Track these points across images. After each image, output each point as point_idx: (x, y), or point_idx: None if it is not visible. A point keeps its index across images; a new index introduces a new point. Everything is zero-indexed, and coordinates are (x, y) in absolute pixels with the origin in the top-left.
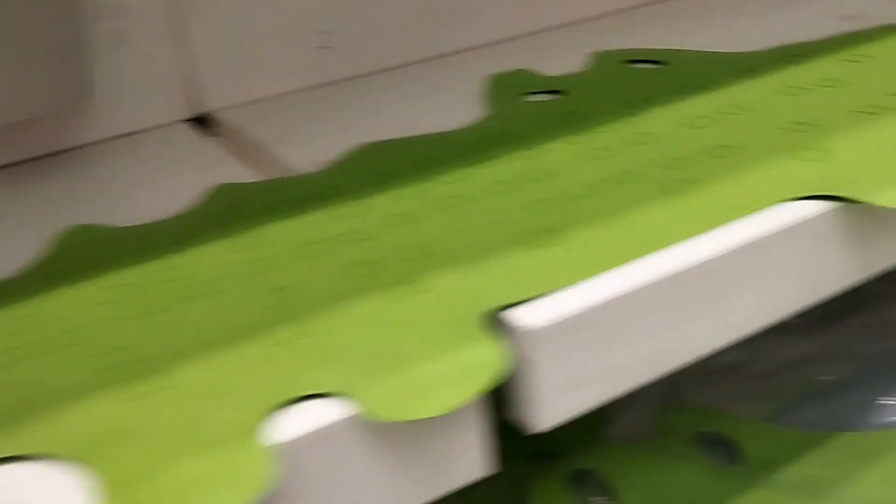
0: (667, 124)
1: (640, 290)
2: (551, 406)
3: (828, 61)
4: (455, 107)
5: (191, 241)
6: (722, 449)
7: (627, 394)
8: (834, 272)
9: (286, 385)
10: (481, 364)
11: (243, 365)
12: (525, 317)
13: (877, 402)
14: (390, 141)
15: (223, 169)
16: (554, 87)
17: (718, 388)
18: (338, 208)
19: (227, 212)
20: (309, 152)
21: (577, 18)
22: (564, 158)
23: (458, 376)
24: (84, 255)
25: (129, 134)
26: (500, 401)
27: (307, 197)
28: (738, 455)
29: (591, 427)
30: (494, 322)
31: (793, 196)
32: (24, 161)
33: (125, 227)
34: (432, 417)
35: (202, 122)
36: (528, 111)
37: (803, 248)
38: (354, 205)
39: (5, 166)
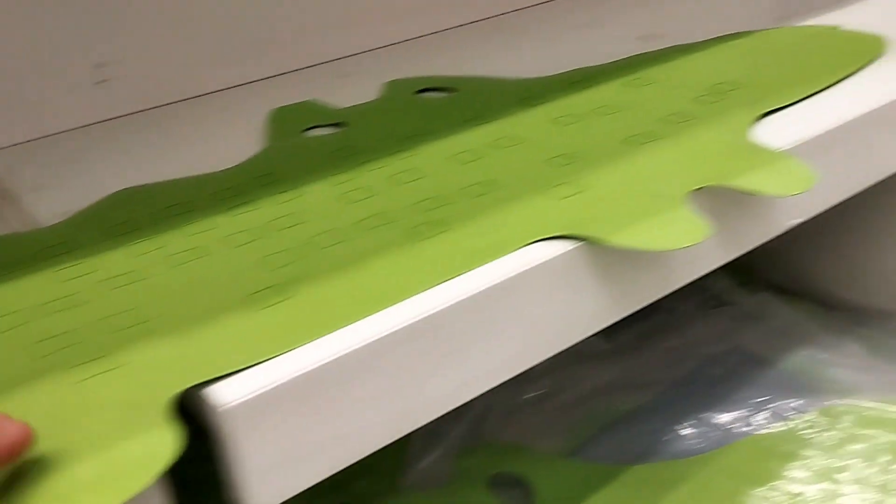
0: (436, 160)
1: (362, 349)
2: (268, 485)
3: (609, 87)
4: (233, 145)
5: None
6: (518, 489)
7: (427, 437)
8: (584, 314)
9: None
10: (147, 457)
11: None
12: (224, 393)
13: (673, 430)
14: (146, 187)
15: None
16: (338, 120)
17: (523, 423)
18: (58, 270)
19: None
20: (60, 202)
21: (370, 47)
22: (322, 202)
23: (118, 473)
24: None
25: None
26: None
27: (32, 257)
28: (531, 495)
29: (389, 474)
30: (193, 400)
31: (538, 237)
32: None
33: None
34: None
35: None
36: (303, 148)
37: (547, 291)
38: (78, 265)
39: None
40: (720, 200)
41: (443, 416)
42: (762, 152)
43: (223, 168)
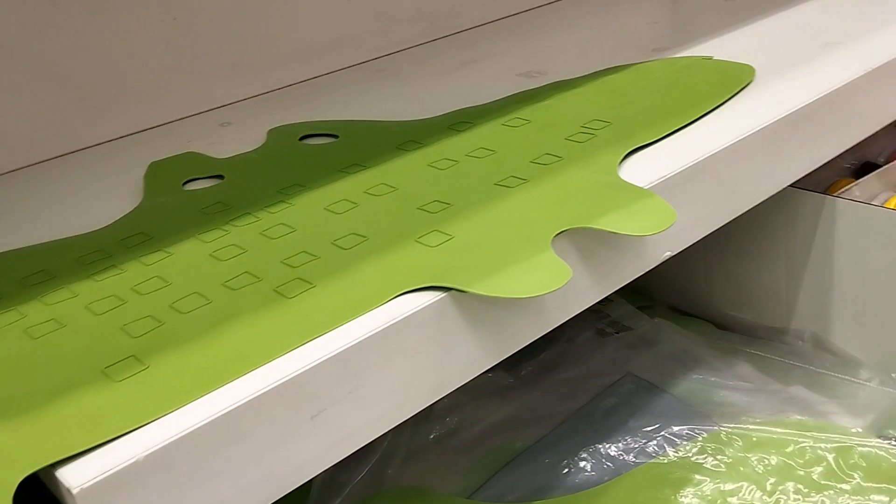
0: (310, 211)
1: (221, 418)
2: None
3: (488, 127)
4: (109, 201)
5: None
6: None
7: (326, 485)
8: (459, 361)
9: None
10: None
11: None
12: (79, 474)
13: (572, 462)
14: (6, 254)
15: None
16: (216, 172)
17: (425, 464)
18: None
19: None
20: None
21: (256, 92)
22: (191, 261)
23: None
24: None
25: None
26: None
27: None
28: None
29: None
30: (50, 481)
31: (404, 290)
32: None
33: None
34: None
35: None
36: (178, 203)
37: (416, 341)
38: None
39: None
40: (589, 240)
41: (343, 462)
42: (625, 191)
43: (94, 228)
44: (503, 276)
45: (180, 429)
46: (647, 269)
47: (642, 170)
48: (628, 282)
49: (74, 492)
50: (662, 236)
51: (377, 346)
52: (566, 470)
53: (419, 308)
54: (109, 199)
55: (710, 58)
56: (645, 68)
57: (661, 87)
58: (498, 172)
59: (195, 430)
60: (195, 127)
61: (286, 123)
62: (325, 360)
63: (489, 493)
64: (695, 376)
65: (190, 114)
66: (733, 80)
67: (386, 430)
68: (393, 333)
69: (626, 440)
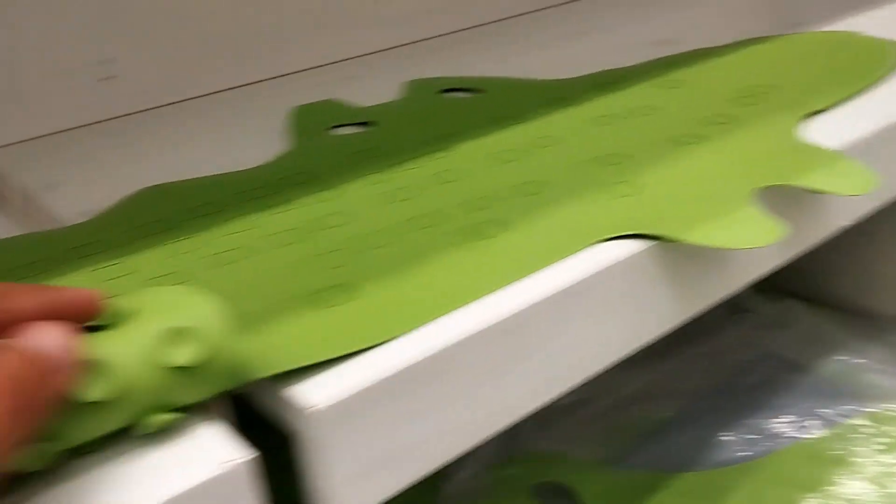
0: (475, 160)
1: (443, 352)
2: (352, 494)
3: (640, 88)
4: (253, 143)
5: None
6: (562, 498)
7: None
8: (655, 314)
9: None
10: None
11: None
12: (310, 395)
13: (716, 438)
14: (172, 184)
15: None
16: (362, 119)
17: (558, 431)
18: (95, 270)
19: None
20: (80, 200)
21: (389, 45)
22: (364, 201)
23: None
24: None
25: None
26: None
27: (62, 257)
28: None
29: (428, 487)
30: (276, 402)
31: (605, 236)
32: None
33: None
34: None
35: None
36: (332, 146)
37: (619, 291)
38: (116, 264)
39: None
40: (778, 200)
41: None
42: (820, 153)
43: (247, 167)
44: (714, 228)
45: (401, 360)
46: (824, 238)
47: (823, 135)
48: (807, 248)
49: (307, 413)
50: (843, 204)
51: (583, 292)
52: (712, 444)
53: (625, 256)
54: (254, 140)
55: (852, 33)
56: (790, 40)
57: (814, 58)
58: (669, 130)
59: (415, 363)
60: (326, 77)
61: (421, 77)
62: (538, 303)
63: (635, 461)
64: (837, 358)
65: (319, 64)
66: (884, 56)
67: (583, 380)
68: (598, 281)
69: (776, 417)
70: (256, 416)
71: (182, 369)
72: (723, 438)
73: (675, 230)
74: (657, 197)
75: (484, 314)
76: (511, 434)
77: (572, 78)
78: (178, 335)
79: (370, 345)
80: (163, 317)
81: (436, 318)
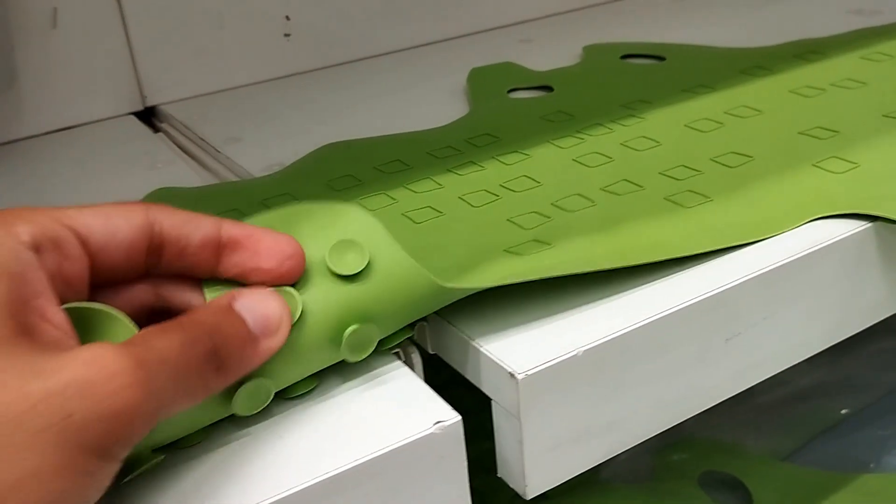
0: (668, 127)
1: (650, 324)
2: (548, 465)
3: (844, 59)
4: (432, 103)
5: None
6: (729, 491)
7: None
8: (870, 300)
9: None
10: None
11: None
12: (518, 360)
13: None
14: (356, 141)
15: (170, 169)
16: (542, 83)
17: (724, 419)
18: None
19: None
20: (263, 152)
21: (568, 8)
22: (554, 164)
23: None
24: None
25: (68, 128)
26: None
27: (255, 209)
28: (746, 498)
29: None
30: (480, 361)
31: (818, 214)
32: None
33: None
34: None
35: (149, 115)
36: (512, 110)
37: (834, 274)
38: None
39: None
40: None
41: None
42: None
43: (427, 126)
44: None
45: (607, 331)
46: None
47: None
48: None
49: (519, 377)
50: None
51: (796, 272)
52: (893, 446)
53: (842, 236)
54: (432, 100)
55: None
56: None
57: None
58: (881, 105)
59: (624, 333)
60: (503, 38)
61: (600, 42)
62: (750, 279)
63: (808, 457)
64: None
65: (497, 26)
66: None
67: (790, 365)
68: (813, 260)
69: None
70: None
71: (358, 281)
72: None
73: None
74: (875, 175)
75: (693, 288)
76: None
77: (765, 47)
78: (345, 247)
79: (560, 274)
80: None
81: (638, 287)
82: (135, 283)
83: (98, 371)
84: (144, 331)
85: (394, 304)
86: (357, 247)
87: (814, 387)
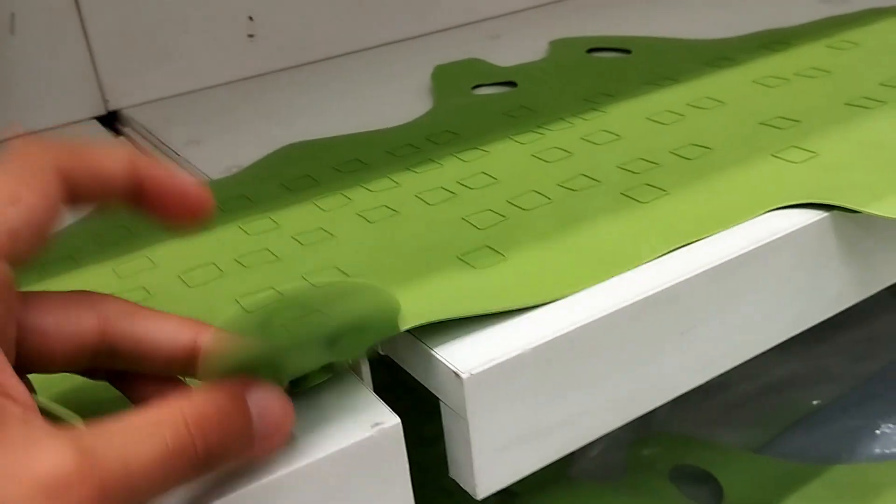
0: (631, 120)
1: (598, 321)
2: (498, 465)
3: (810, 49)
4: (395, 101)
5: (71, 262)
6: (701, 485)
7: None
8: (828, 292)
9: None
10: None
11: None
12: (465, 359)
13: (871, 429)
14: (316, 141)
15: None
16: (506, 79)
17: (696, 413)
18: (245, 223)
19: (115, 228)
20: (223, 155)
21: (533, 4)
22: (513, 160)
23: None
24: None
25: (35, 131)
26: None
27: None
28: (718, 492)
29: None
30: (427, 362)
31: (775, 205)
32: None
33: None
34: None
35: (112, 119)
36: (476, 106)
37: (792, 265)
38: (262, 219)
39: None
40: None
41: None
42: None
43: (390, 125)
44: None
45: (555, 329)
46: None
47: None
48: None
49: (465, 377)
50: None
51: (751, 263)
52: (868, 436)
53: (799, 226)
54: (396, 98)
55: None
56: None
57: None
58: (844, 93)
59: (569, 332)
60: (469, 35)
61: (566, 36)
62: (702, 273)
63: (781, 449)
64: None
65: (459, 24)
66: None
67: (750, 357)
68: (768, 252)
69: None
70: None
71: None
72: (878, 430)
73: (854, 200)
74: (833, 164)
75: (643, 283)
76: (645, 414)
77: (731, 38)
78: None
79: (517, 307)
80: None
81: (590, 285)
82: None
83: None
84: (114, 431)
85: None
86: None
87: (786, 378)
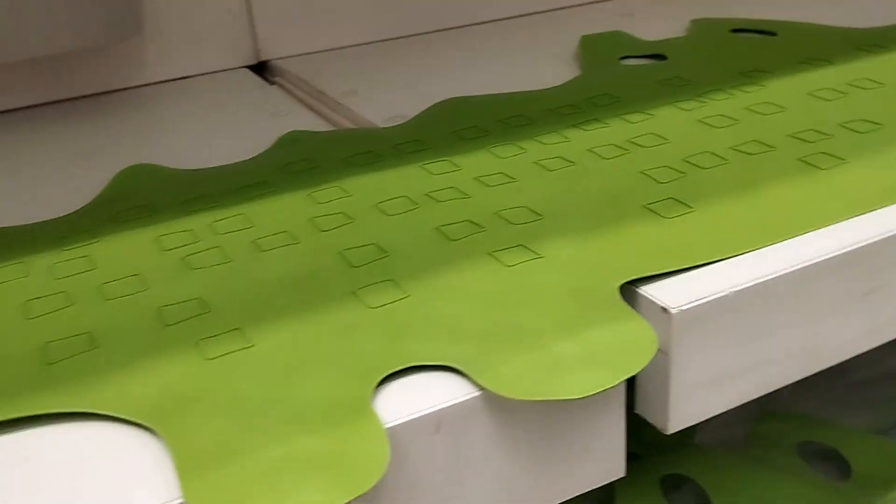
0: (790, 95)
1: (793, 273)
2: (690, 402)
3: None
4: (543, 66)
5: (264, 188)
6: (827, 462)
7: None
8: None
9: (387, 356)
10: (631, 343)
11: (332, 329)
12: (671, 296)
13: None
14: (475, 97)
15: (291, 118)
16: (653, 52)
17: (818, 394)
18: (426, 165)
19: (303, 161)
20: (381, 107)
21: None
22: (678, 124)
23: (605, 355)
24: (145, 196)
25: (189, 77)
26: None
27: (388, 152)
28: (845, 470)
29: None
30: (631, 300)
31: None
32: (79, 98)
33: (189, 169)
34: (572, 400)
35: (264, 69)
36: (627, 74)
37: None
38: (441, 161)
39: (59, 102)
40: None
41: None
42: None
43: (545, 87)
44: None
45: (755, 275)
46: None
47: None
48: None
49: (673, 312)
50: None
51: None
52: None
53: None
54: (544, 64)
55: None
56: None
57: None
58: None
59: (768, 279)
60: (609, 11)
61: (709, 17)
62: (888, 237)
63: None
64: None
65: (589, 1)
66: None
67: None
68: None
69: None
70: None
71: None
72: None
73: None
74: None
75: (833, 241)
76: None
77: (880, 27)
78: None
79: (716, 259)
80: None
81: (781, 240)
82: None
83: None
84: None
85: None
86: None
87: None
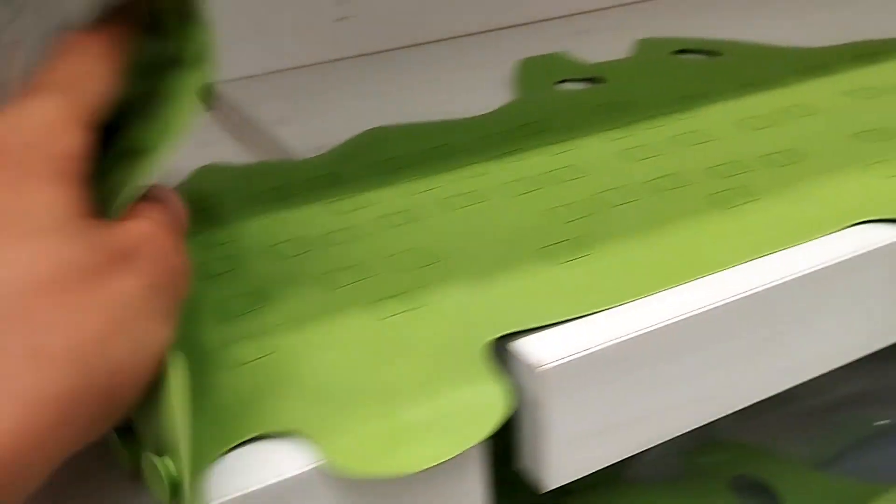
0: (720, 123)
1: (681, 322)
2: (567, 459)
3: None
4: (479, 91)
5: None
6: (759, 496)
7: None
8: None
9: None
10: (481, 408)
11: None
12: (540, 352)
13: None
14: (402, 126)
15: (217, 147)
16: (591, 75)
17: (759, 423)
18: (334, 202)
19: (209, 197)
20: (310, 135)
21: (622, 2)
22: (600, 156)
23: (450, 422)
24: None
25: None
26: (502, 448)
27: (300, 187)
28: None
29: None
30: (501, 355)
31: (866, 218)
32: None
33: None
34: (415, 473)
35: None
36: (561, 99)
37: (880, 279)
38: (351, 198)
39: None
40: None
41: None
42: None
43: (474, 114)
44: None
45: (636, 327)
46: None
47: None
48: None
49: (537, 371)
50: None
51: (836, 275)
52: None
53: (890, 241)
54: (480, 88)
55: None
56: None
57: None
58: None
59: (651, 330)
60: (556, 30)
61: (654, 36)
62: (790, 281)
63: (841, 467)
64: None
65: (545, 17)
66: None
67: (828, 369)
68: (857, 264)
69: None
70: None
71: None
72: None
73: None
74: None
75: (729, 287)
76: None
77: (823, 47)
78: None
79: (601, 308)
80: None
81: (675, 285)
82: None
83: None
84: None
85: None
86: None
87: (852, 396)
